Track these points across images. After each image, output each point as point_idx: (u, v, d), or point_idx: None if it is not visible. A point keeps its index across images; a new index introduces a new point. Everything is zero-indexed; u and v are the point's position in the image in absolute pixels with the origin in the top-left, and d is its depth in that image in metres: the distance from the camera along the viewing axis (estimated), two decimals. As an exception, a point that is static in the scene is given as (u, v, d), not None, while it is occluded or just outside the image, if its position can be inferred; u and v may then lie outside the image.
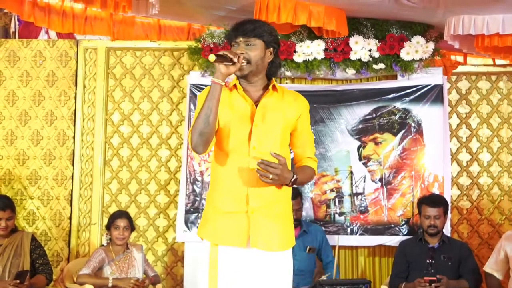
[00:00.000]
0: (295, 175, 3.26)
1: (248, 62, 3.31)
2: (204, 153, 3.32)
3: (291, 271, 3.44)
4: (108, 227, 5.78)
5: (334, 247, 6.19)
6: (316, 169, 3.49)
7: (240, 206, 3.30)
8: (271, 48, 3.40)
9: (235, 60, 3.19)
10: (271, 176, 3.14)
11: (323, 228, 6.30)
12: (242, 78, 3.40)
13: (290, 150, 3.52)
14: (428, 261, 5.41)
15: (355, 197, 6.39)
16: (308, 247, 5.85)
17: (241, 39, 3.33)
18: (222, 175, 3.36)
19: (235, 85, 3.40)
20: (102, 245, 5.90)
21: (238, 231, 3.30)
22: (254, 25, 3.35)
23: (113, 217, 5.79)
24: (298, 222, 5.93)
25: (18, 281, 5.14)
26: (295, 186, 3.40)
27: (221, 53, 3.18)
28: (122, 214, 5.86)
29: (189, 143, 3.29)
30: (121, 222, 5.73)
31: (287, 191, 3.43)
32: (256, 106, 3.36)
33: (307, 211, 6.41)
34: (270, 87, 3.41)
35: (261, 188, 3.29)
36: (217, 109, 3.21)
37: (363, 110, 6.46)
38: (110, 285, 5.51)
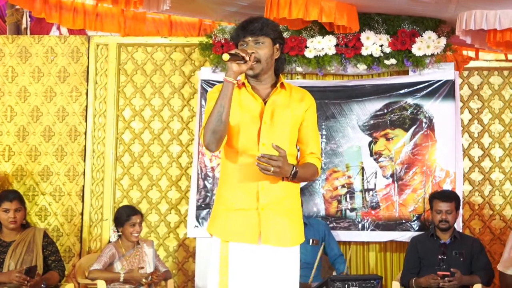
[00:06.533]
0: (294, 167, 3.29)
1: (258, 60, 3.35)
2: (217, 150, 3.34)
3: (298, 265, 3.48)
4: (121, 224, 5.74)
5: (340, 242, 6.20)
6: (319, 167, 3.51)
7: (251, 203, 3.34)
8: (278, 45, 3.45)
9: (247, 58, 3.24)
10: (272, 169, 3.18)
11: (333, 224, 6.30)
12: (252, 77, 3.43)
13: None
14: (440, 256, 5.39)
15: (366, 193, 6.38)
16: (311, 239, 5.86)
17: (250, 38, 3.37)
18: (232, 173, 3.39)
19: (243, 84, 3.44)
20: (109, 242, 5.88)
21: (249, 228, 3.33)
22: (261, 23, 3.38)
23: (128, 214, 5.69)
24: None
25: (27, 277, 5.15)
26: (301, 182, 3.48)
27: (233, 51, 3.21)
28: (136, 210, 5.82)
29: (202, 141, 3.32)
30: (138, 219, 5.72)
31: (296, 187, 3.47)
32: (265, 104, 3.40)
33: (318, 206, 6.41)
34: (278, 84, 3.44)
35: (271, 185, 3.33)
36: (229, 107, 3.24)
37: (374, 105, 6.44)
38: (121, 279, 5.53)
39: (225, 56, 3.16)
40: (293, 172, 3.28)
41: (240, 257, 3.34)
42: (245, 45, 3.38)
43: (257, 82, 3.45)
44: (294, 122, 3.42)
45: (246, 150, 3.36)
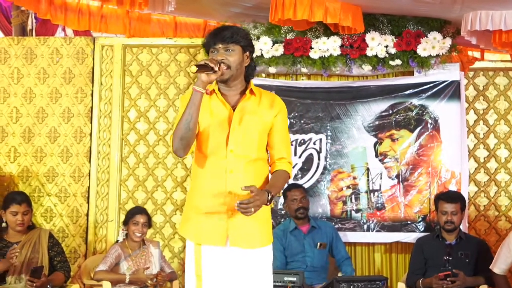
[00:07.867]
0: (269, 194, 3.36)
1: (228, 67, 3.42)
2: (185, 156, 3.46)
3: (271, 266, 3.55)
4: (126, 222, 5.79)
5: (345, 243, 6.20)
6: (290, 171, 3.58)
7: (219, 207, 3.43)
8: (248, 52, 3.53)
9: (216, 68, 3.31)
10: (253, 209, 3.28)
11: (339, 225, 6.30)
12: (221, 83, 3.51)
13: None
14: (445, 257, 5.38)
15: (372, 194, 6.38)
16: (319, 243, 5.86)
17: (220, 45, 3.44)
18: (201, 177, 3.49)
19: (213, 90, 3.51)
20: (117, 241, 5.90)
21: (217, 231, 3.43)
22: (232, 31, 3.47)
23: (132, 213, 5.81)
24: (306, 211, 5.96)
25: (33, 278, 5.17)
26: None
27: (202, 62, 3.29)
28: (142, 210, 5.88)
29: (170, 147, 3.43)
30: (141, 219, 5.75)
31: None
32: (234, 110, 3.47)
33: (324, 208, 6.41)
34: (248, 91, 3.51)
35: (239, 190, 3.39)
36: (197, 116, 3.34)
37: (379, 106, 6.44)
38: (127, 281, 5.54)
39: (193, 68, 3.24)
40: (269, 198, 3.36)
41: (212, 259, 3.44)
42: (215, 52, 3.46)
43: (227, 89, 3.52)
44: (262, 128, 3.50)
45: (214, 155, 3.45)
